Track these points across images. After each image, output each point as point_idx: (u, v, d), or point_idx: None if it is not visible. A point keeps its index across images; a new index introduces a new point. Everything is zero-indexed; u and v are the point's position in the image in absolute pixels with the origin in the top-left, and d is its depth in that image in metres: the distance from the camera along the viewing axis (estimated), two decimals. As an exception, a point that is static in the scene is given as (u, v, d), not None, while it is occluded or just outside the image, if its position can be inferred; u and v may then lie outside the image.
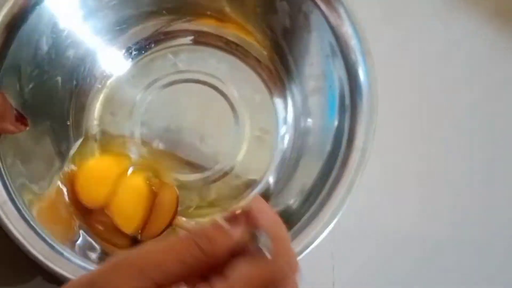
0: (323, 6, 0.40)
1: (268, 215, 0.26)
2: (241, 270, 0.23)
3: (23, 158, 0.39)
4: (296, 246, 0.35)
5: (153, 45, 0.48)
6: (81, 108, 0.46)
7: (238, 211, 0.25)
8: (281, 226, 0.26)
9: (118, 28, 0.46)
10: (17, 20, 0.38)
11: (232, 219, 0.25)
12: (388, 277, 0.45)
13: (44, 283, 0.36)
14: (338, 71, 0.40)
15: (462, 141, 0.48)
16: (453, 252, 0.46)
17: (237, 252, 0.24)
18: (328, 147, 0.39)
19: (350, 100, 0.39)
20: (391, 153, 0.47)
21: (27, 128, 0.38)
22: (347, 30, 0.40)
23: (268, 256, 0.23)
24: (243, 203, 0.26)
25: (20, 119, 0.38)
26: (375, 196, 0.46)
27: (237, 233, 0.24)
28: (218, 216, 0.26)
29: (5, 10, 0.38)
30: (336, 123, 0.40)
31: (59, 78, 0.43)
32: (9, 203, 0.36)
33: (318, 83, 0.44)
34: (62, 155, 0.43)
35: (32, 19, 0.39)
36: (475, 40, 0.50)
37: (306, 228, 0.36)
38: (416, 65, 0.50)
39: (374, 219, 0.46)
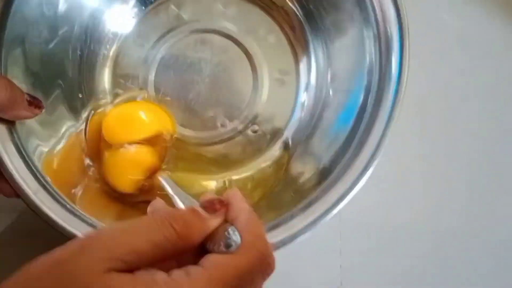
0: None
1: (245, 212, 0.25)
2: (217, 260, 0.23)
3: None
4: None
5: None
6: (91, 79, 0.44)
7: (217, 202, 0.25)
8: (256, 225, 0.25)
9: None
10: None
11: (210, 208, 0.25)
12: (395, 270, 0.45)
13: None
14: (366, 21, 0.37)
15: (471, 135, 0.47)
16: (462, 244, 0.45)
17: (208, 237, 0.24)
18: (357, 104, 0.37)
19: (378, 79, 0.36)
20: (400, 146, 0.45)
21: (43, 111, 0.37)
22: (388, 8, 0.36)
23: (236, 248, 0.24)
24: (224, 194, 0.27)
25: (34, 102, 0.36)
26: (383, 189, 0.45)
27: (214, 223, 0.24)
28: (196, 204, 0.26)
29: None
30: (365, 78, 0.37)
31: (65, 50, 0.41)
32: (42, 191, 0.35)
33: (343, 30, 0.41)
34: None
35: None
36: (486, 32, 0.48)
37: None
38: (429, 59, 0.47)
39: (381, 212, 0.45)
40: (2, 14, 0.36)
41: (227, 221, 0.25)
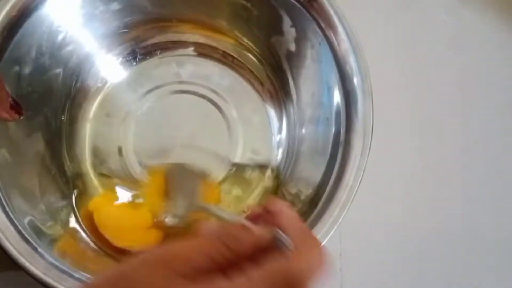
0: (332, 38, 0.41)
1: (288, 214, 0.27)
2: (273, 262, 0.24)
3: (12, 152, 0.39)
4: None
5: (159, 52, 0.48)
6: (78, 105, 0.46)
7: (259, 211, 0.27)
8: (303, 226, 0.27)
9: (122, 31, 0.46)
10: (16, 22, 0.38)
11: (254, 218, 0.27)
12: (396, 273, 0.45)
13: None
14: (337, 105, 0.40)
15: (469, 135, 0.48)
16: (464, 244, 0.46)
17: (259, 248, 0.25)
18: (317, 180, 0.39)
19: (345, 136, 0.39)
20: (396, 152, 0.47)
21: (21, 118, 0.38)
22: (351, 66, 0.40)
23: (289, 252, 0.25)
24: (266, 204, 0.28)
25: (15, 107, 0.37)
26: (384, 191, 0.46)
27: (259, 231, 0.25)
28: (241, 216, 0.28)
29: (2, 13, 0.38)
30: (327, 156, 0.39)
31: (60, 74, 0.43)
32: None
33: (316, 113, 0.44)
34: (55, 156, 0.44)
35: (31, 22, 0.39)
36: (483, 33, 0.51)
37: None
38: (423, 58, 0.50)
39: (381, 215, 0.46)
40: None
41: (275, 227, 0.26)
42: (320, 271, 0.25)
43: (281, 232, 0.25)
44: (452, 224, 0.46)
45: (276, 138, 0.47)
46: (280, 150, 0.47)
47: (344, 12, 0.39)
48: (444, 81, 0.49)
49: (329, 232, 0.36)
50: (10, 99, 0.37)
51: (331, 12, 0.39)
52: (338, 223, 0.36)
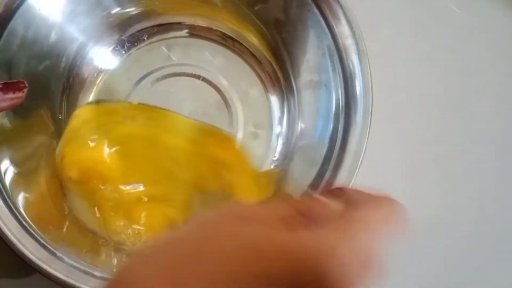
0: (320, 3, 0.40)
1: (361, 192, 0.27)
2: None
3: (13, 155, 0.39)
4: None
5: (146, 38, 0.47)
6: (74, 102, 0.46)
7: (334, 190, 0.28)
8: (368, 194, 0.27)
9: (110, 20, 0.45)
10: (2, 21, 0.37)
11: (328, 193, 0.27)
12: (402, 272, 0.44)
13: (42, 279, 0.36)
14: (334, 70, 0.40)
15: (482, 130, 0.48)
16: (467, 238, 0.46)
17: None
18: (322, 151, 0.39)
19: (345, 102, 0.39)
20: (403, 143, 0.47)
21: (24, 92, 0.33)
22: (343, 29, 0.39)
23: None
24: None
25: (10, 86, 0.32)
26: (390, 187, 0.45)
27: (334, 206, 0.26)
28: (315, 192, 0.29)
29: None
30: (330, 125, 0.39)
31: (52, 71, 0.43)
32: (1, 202, 0.36)
33: (313, 82, 0.43)
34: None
35: (18, 18, 0.38)
36: (495, 24, 0.50)
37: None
38: (433, 49, 0.49)
39: None
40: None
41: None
42: (392, 224, 0.25)
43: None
44: (454, 215, 0.46)
45: (277, 118, 0.47)
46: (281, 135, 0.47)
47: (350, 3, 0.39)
48: (454, 73, 0.49)
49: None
50: None
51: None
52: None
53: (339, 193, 0.27)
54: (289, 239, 0.22)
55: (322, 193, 0.27)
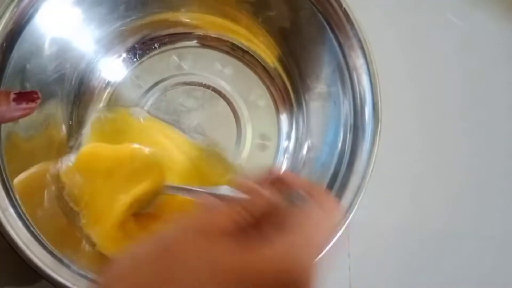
0: (332, 22, 0.40)
1: (299, 179, 0.30)
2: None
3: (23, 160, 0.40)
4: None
5: (157, 46, 0.48)
6: (85, 108, 0.46)
7: (271, 177, 0.29)
8: (313, 184, 0.30)
9: (122, 29, 0.46)
10: (13, 35, 0.38)
11: (266, 184, 0.29)
12: (404, 272, 0.46)
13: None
14: (343, 88, 0.40)
15: (477, 138, 0.48)
16: (472, 248, 0.46)
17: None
18: (330, 168, 0.39)
19: (353, 120, 0.39)
20: (404, 153, 0.47)
21: (37, 103, 0.32)
22: (354, 49, 0.39)
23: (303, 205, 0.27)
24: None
25: (24, 97, 0.31)
26: (392, 191, 0.46)
27: (276, 198, 0.28)
28: (255, 183, 0.29)
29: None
30: (339, 143, 0.40)
31: (63, 81, 0.43)
32: (11, 209, 0.36)
33: (323, 98, 0.43)
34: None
35: (28, 32, 0.38)
36: (492, 34, 0.50)
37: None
38: (432, 59, 0.49)
39: (389, 214, 0.46)
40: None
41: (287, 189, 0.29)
42: (336, 216, 0.28)
43: (294, 194, 0.28)
44: (460, 224, 0.47)
45: (285, 132, 0.47)
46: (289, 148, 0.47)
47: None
48: (453, 82, 0.49)
49: (338, 232, 0.36)
50: (12, 95, 0.31)
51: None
52: (346, 224, 0.36)
53: (280, 182, 0.29)
54: (252, 255, 0.24)
55: (265, 184, 0.29)
